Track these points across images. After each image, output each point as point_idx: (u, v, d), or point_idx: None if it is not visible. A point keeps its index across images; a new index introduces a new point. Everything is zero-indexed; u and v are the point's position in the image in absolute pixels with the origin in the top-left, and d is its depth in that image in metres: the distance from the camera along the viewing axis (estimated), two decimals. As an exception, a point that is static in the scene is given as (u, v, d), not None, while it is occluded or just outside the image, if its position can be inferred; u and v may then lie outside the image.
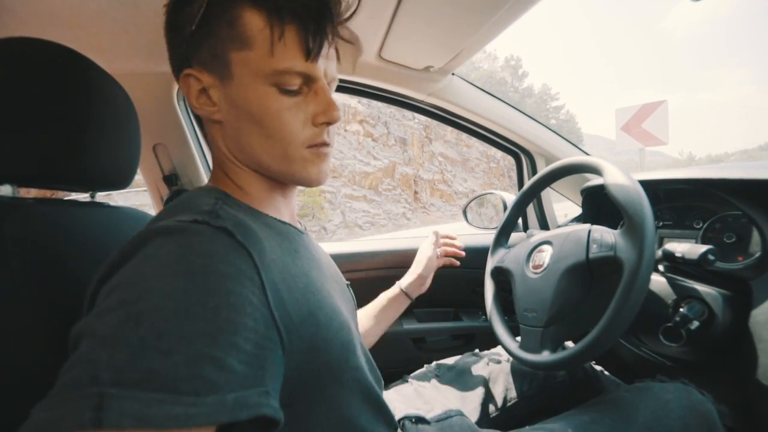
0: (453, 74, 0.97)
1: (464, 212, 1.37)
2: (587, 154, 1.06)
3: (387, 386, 0.82)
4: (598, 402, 0.63)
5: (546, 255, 0.71)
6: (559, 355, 0.61)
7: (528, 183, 0.84)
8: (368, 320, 0.79)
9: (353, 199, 13.75)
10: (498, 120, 1.06)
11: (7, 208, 0.42)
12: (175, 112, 0.92)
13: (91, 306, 0.31)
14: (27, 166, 0.45)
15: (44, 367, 0.37)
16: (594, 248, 0.62)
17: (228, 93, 0.41)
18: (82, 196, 0.63)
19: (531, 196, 0.86)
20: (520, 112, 1.09)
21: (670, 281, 0.66)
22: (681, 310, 0.62)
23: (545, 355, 0.64)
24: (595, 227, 0.65)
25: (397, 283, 0.84)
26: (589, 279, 0.63)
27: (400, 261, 1.16)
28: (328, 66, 0.44)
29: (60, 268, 0.44)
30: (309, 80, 0.42)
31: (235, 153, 0.45)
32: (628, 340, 0.84)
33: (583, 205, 0.98)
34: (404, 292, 0.82)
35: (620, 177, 0.60)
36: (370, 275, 1.15)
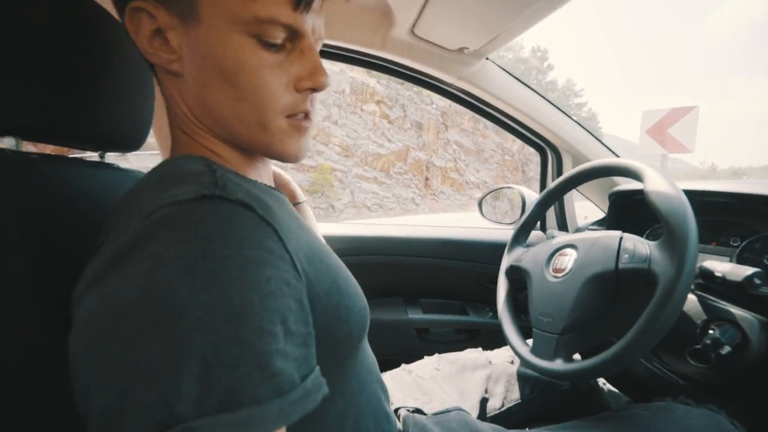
0: (487, 59, 0.91)
1: (479, 204, 1.33)
2: (618, 156, 1.01)
3: (383, 372, 0.80)
4: (610, 417, 0.60)
5: (569, 259, 0.67)
6: (575, 365, 0.58)
7: (556, 181, 0.80)
8: None
9: (364, 180, 13.69)
10: (528, 111, 1.00)
11: (6, 161, 0.39)
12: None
13: (80, 302, 0.27)
14: (31, 118, 0.42)
15: (36, 338, 0.35)
16: (625, 258, 0.57)
17: (192, 39, 0.33)
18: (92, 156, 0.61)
19: (557, 195, 0.82)
20: (552, 104, 1.03)
21: (701, 300, 0.62)
22: (711, 332, 0.58)
23: (558, 364, 0.61)
24: (627, 235, 0.61)
25: None
26: (615, 290, 0.60)
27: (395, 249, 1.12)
28: (316, 21, 0.37)
29: (60, 229, 0.41)
30: (294, 35, 0.35)
31: (198, 115, 0.37)
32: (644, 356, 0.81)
33: (610, 210, 0.93)
34: None
35: (664, 185, 0.56)
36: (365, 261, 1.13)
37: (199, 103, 0.36)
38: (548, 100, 1.03)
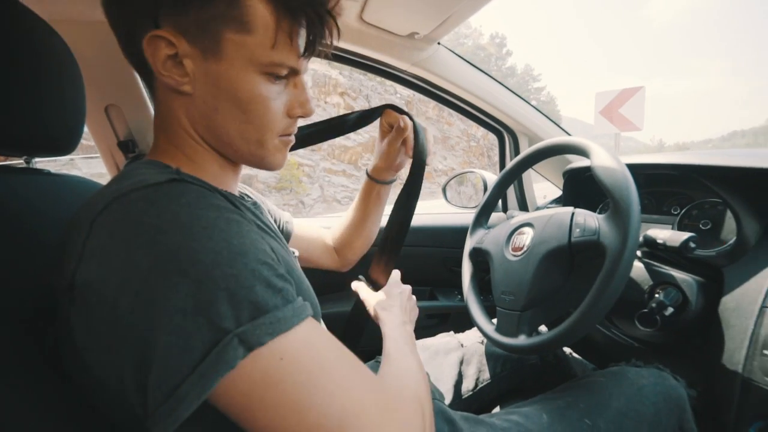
0: (439, 43, 0.91)
1: (443, 190, 1.35)
2: (570, 136, 1.04)
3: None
4: (572, 386, 0.63)
5: (527, 237, 0.69)
6: (536, 339, 0.60)
7: (512, 162, 0.81)
8: (355, 214, 0.77)
9: (332, 174, 13.54)
10: (483, 95, 1.02)
11: None
12: (128, 69, 0.82)
13: (72, 288, 0.31)
14: None
15: None
16: (577, 232, 0.60)
17: (210, 69, 0.38)
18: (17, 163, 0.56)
19: (514, 175, 0.84)
20: (507, 88, 1.05)
21: (647, 266, 0.66)
22: (657, 296, 0.62)
23: (521, 339, 0.63)
24: (579, 211, 0.63)
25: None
26: (569, 263, 0.62)
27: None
28: (305, 61, 0.45)
29: None
30: (293, 72, 0.42)
31: (199, 130, 0.43)
32: (600, 323, 0.85)
33: (564, 187, 0.96)
34: (370, 177, 0.73)
35: (608, 160, 0.58)
36: None
37: (205, 121, 0.42)
38: (502, 84, 1.05)
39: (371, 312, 0.61)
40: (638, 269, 0.67)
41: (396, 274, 0.68)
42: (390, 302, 0.60)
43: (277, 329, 0.29)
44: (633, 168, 0.58)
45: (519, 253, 0.69)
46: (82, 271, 0.30)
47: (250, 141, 0.43)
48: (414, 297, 0.67)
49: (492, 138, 1.25)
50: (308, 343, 0.31)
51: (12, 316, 0.36)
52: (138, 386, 0.28)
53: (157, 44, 0.37)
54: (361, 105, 15.53)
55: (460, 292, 1.22)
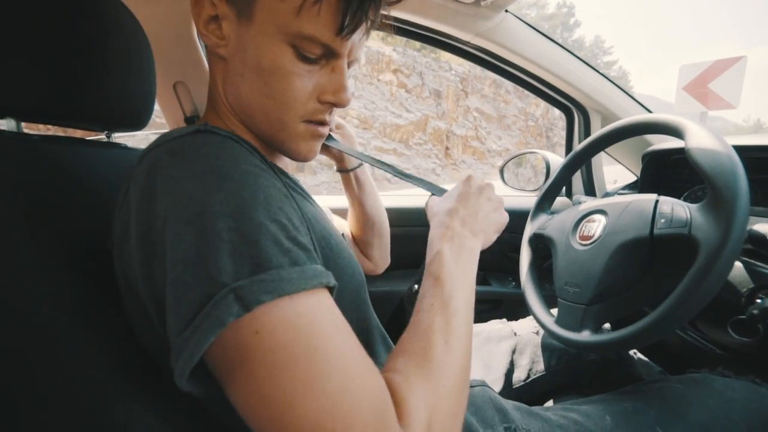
0: (506, 11, 0.83)
1: (501, 171, 1.28)
2: (651, 112, 0.92)
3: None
4: (641, 389, 0.58)
5: (598, 226, 0.62)
6: (603, 336, 0.55)
7: (585, 142, 0.74)
8: (352, 211, 0.73)
9: (383, 152, 13.52)
10: (553, 68, 0.92)
11: (5, 143, 0.39)
12: (195, 48, 0.84)
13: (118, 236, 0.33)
14: (28, 98, 0.41)
15: (43, 320, 0.35)
16: (661, 223, 0.53)
17: (241, 33, 0.38)
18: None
19: (585, 157, 0.76)
20: (580, 60, 0.95)
21: (747, 267, 0.57)
22: (758, 301, 0.53)
23: (585, 335, 0.58)
24: (664, 198, 0.56)
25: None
26: (650, 258, 0.55)
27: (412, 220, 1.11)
28: (356, 45, 0.41)
29: (65, 210, 0.41)
30: (330, 54, 0.39)
31: (230, 98, 0.42)
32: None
33: (643, 172, 0.86)
34: (338, 170, 0.71)
35: (710, 140, 0.50)
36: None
37: (234, 87, 0.40)
38: (575, 55, 0.94)
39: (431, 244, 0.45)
40: (736, 269, 0.58)
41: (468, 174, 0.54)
42: (447, 218, 0.46)
43: (278, 289, 0.27)
44: (738, 150, 0.49)
45: (588, 242, 0.63)
46: (120, 220, 0.32)
47: (271, 119, 0.40)
48: (499, 199, 0.51)
49: (552, 118, 1.15)
50: (311, 319, 0.28)
51: (89, 275, 0.39)
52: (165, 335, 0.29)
53: (202, 3, 0.38)
54: (414, 82, 15.19)
55: (514, 279, 1.17)
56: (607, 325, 0.79)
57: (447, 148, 15.47)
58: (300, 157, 0.44)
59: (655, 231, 0.53)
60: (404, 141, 14.05)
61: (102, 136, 0.59)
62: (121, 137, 0.61)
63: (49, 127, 0.51)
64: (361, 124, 13.46)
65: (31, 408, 0.33)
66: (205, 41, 0.40)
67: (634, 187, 0.96)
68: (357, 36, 0.39)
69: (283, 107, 0.39)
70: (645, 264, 0.56)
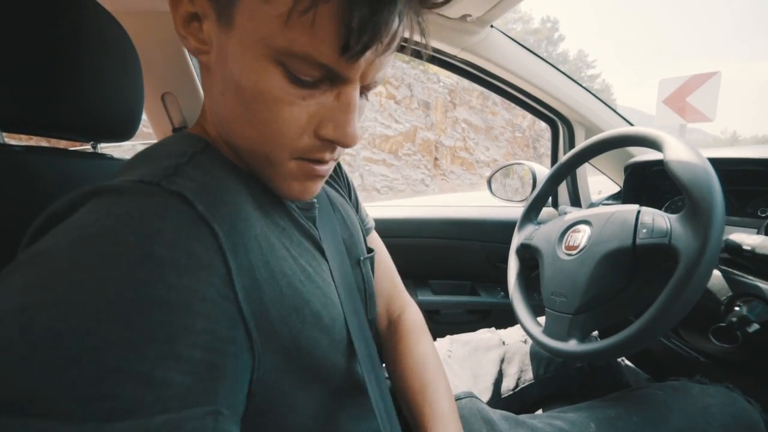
0: (492, 26, 0.85)
1: (488, 182, 1.30)
2: (632, 125, 0.95)
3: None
4: (624, 397, 0.59)
5: (582, 236, 0.64)
6: (590, 346, 0.56)
7: (569, 154, 0.75)
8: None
9: (372, 163, 13.58)
10: (537, 82, 0.95)
11: None
12: (183, 58, 0.85)
13: None
14: (11, 109, 0.40)
15: None
16: (643, 233, 0.54)
17: (222, 41, 0.29)
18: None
19: (569, 168, 0.78)
20: (563, 74, 0.97)
21: (726, 275, 0.59)
22: (737, 309, 0.55)
23: (572, 344, 0.58)
24: (645, 209, 0.57)
25: None
26: (632, 267, 0.56)
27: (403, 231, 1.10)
28: (373, 66, 0.30)
29: None
30: (335, 77, 0.29)
31: (214, 118, 0.35)
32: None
33: (626, 183, 0.88)
34: None
35: (686, 153, 0.52)
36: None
37: (216, 106, 0.33)
38: (559, 70, 0.97)
39: None
40: (714, 277, 0.60)
41: None
42: None
43: None
44: (714, 163, 0.51)
45: (574, 252, 0.64)
46: None
47: (255, 152, 0.32)
48: None
49: (538, 129, 1.18)
50: None
51: None
52: None
53: None
54: (403, 94, 15.37)
55: (503, 289, 1.18)
56: (595, 333, 0.80)
57: (436, 159, 15.62)
58: (293, 198, 0.36)
59: (638, 241, 0.54)
60: (393, 152, 14.15)
61: (87, 147, 0.59)
62: (107, 147, 0.61)
63: (32, 137, 0.50)
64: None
65: None
66: (184, 44, 0.31)
67: (618, 198, 0.99)
68: (374, 56, 0.29)
69: (267, 142, 0.31)
70: (628, 273, 0.57)
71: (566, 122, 1.06)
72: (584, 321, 0.59)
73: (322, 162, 0.34)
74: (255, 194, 0.34)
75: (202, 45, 0.31)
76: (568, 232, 0.68)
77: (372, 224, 0.64)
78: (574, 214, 0.70)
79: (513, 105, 1.06)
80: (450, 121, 16.99)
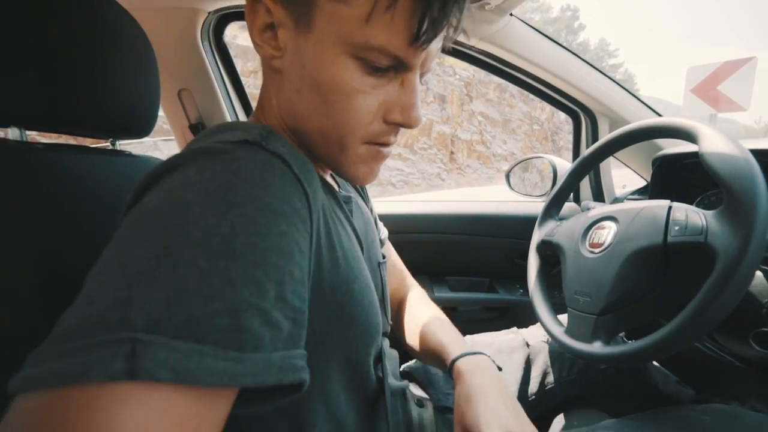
0: (511, 14, 0.82)
1: (507, 176, 1.27)
2: (660, 116, 0.90)
3: (413, 359, 0.78)
4: (662, 418, 0.54)
5: (608, 233, 0.61)
6: (617, 348, 0.53)
7: (594, 146, 0.72)
8: (414, 341, 0.60)
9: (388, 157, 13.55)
10: (559, 72, 0.91)
11: (5, 151, 0.38)
12: (199, 55, 0.85)
13: None
14: (32, 107, 0.41)
15: (39, 333, 0.34)
16: (675, 230, 0.51)
17: (299, 44, 0.33)
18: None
19: (594, 162, 0.74)
20: (587, 63, 0.93)
21: None
22: None
23: (597, 346, 0.56)
24: (677, 205, 0.54)
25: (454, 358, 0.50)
26: (663, 266, 0.53)
27: (419, 227, 1.08)
28: (430, 54, 0.34)
29: (68, 219, 0.41)
30: (400, 66, 0.33)
31: (284, 116, 0.38)
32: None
33: (653, 177, 0.84)
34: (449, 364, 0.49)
35: (725, 144, 0.48)
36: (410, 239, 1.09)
37: (289, 105, 0.36)
38: (581, 58, 0.93)
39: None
40: (757, 278, 0.56)
41: None
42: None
43: (186, 371, 0.20)
44: (756, 155, 0.48)
45: (598, 250, 0.61)
46: None
47: (329, 140, 0.36)
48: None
49: (557, 121, 1.14)
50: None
51: None
52: None
53: (257, 10, 0.34)
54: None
55: (522, 286, 1.15)
56: (621, 334, 0.77)
57: (452, 153, 15.46)
58: (357, 181, 0.39)
59: (669, 239, 0.51)
60: (409, 146, 14.07)
61: (107, 144, 0.59)
62: (127, 144, 0.61)
63: (61, 136, 0.51)
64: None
65: None
66: (260, 53, 0.36)
67: (644, 193, 0.95)
68: (435, 45, 0.33)
69: (343, 128, 0.35)
70: (658, 273, 0.54)
71: (589, 114, 1.02)
72: (610, 322, 0.57)
73: (387, 144, 0.38)
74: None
75: (276, 51, 0.35)
76: (593, 228, 0.65)
77: (386, 235, 0.67)
78: (599, 209, 0.67)
79: (532, 97, 1.03)
80: (466, 115, 16.77)
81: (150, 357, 0.19)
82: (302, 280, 0.27)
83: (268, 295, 0.24)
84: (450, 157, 15.35)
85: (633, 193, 1.00)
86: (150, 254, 0.22)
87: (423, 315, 0.61)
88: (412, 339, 0.60)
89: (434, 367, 0.66)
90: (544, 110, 19.07)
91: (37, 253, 0.36)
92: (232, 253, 0.23)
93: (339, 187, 0.50)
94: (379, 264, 0.52)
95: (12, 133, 0.43)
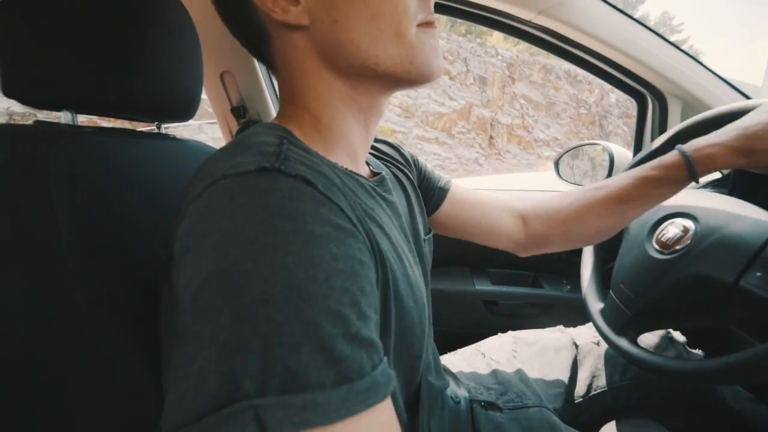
0: (574, -16, 0.74)
1: (556, 164, 1.18)
2: (749, 98, 0.79)
3: (454, 350, 0.76)
4: None
5: (682, 237, 0.54)
6: (688, 364, 0.47)
7: (669, 132, 0.64)
8: (607, 193, 0.53)
9: (425, 141, 13.32)
10: (626, 48, 0.82)
11: (58, 135, 0.39)
12: (242, 36, 0.84)
13: (171, 258, 0.29)
14: (82, 92, 0.42)
15: (83, 320, 0.34)
16: (756, 277, 0.43)
17: None
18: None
19: (664, 151, 0.66)
20: (660, 36, 0.83)
21: None
22: None
23: (671, 360, 0.50)
24: None
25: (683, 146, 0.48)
26: (725, 302, 0.46)
27: None
28: None
29: (114, 202, 0.41)
30: None
31: (332, 62, 0.37)
32: None
33: (736, 170, 0.74)
34: (687, 163, 0.47)
35: None
36: None
37: (331, 47, 0.36)
38: (653, 31, 0.82)
39: None
40: None
41: None
42: None
43: (307, 420, 0.21)
44: None
45: (666, 252, 0.54)
46: (178, 241, 0.28)
47: (386, 41, 0.35)
48: None
49: (606, 105, 1.03)
50: None
51: (136, 276, 0.38)
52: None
53: None
54: (458, 69, 14.77)
55: (569, 282, 1.08)
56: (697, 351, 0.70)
57: (491, 137, 14.96)
58: (433, 71, 0.38)
59: (742, 282, 0.44)
60: (447, 130, 13.76)
61: (152, 127, 0.60)
62: (174, 128, 0.62)
63: (110, 120, 0.52)
64: (403, 112, 13.33)
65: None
66: (280, 18, 0.35)
67: (723, 186, 0.84)
68: None
69: (394, 16, 0.34)
70: (717, 304, 0.47)
71: (658, 95, 0.91)
72: (641, 323, 0.53)
73: (432, 23, 0.37)
74: (341, 179, 0.34)
75: (294, 5, 0.34)
76: (665, 223, 0.58)
77: (448, 179, 0.62)
78: (676, 202, 0.59)
79: (579, 78, 0.94)
80: (508, 98, 16.09)
81: (271, 417, 0.20)
82: (373, 290, 0.28)
83: (350, 319, 0.24)
84: (489, 142, 14.87)
85: (706, 185, 0.90)
86: (226, 323, 0.22)
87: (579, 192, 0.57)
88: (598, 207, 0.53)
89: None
90: (592, 93, 17.86)
91: (91, 241, 0.36)
92: (298, 294, 0.23)
93: (371, 167, 0.48)
94: (424, 240, 0.50)
95: (65, 117, 0.44)
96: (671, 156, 0.48)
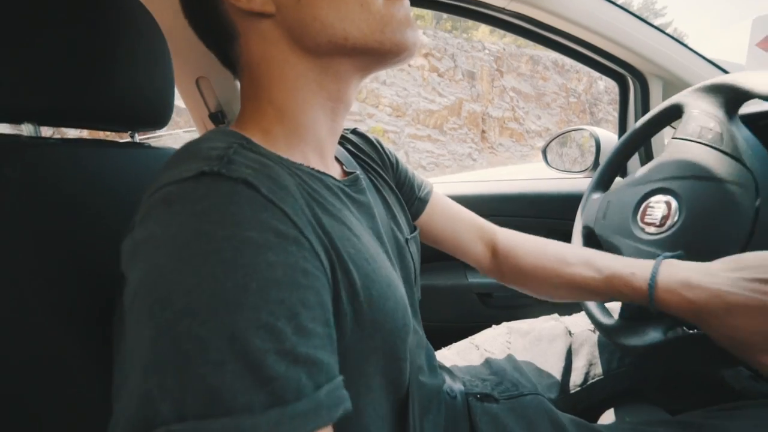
0: (547, -32, 0.73)
1: (543, 152, 1.18)
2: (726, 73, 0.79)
3: (448, 345, 0.75)
4: (736, 413, 0.48)
5: (666, 210, 0.53)
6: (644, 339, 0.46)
7: (650, 114, 0.63)
8: (564, 268, 0.53)
9: (417, 139, 13.30)
10: (603, 30, 0.81)
11: (18, 146, 0.38)
12: (215, 40, 0.82)
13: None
14: (47, 102, 0.41)
15: (40, 330, 0.33)
16: None
17: None
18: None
19: (651, 131, 0.65)
20: (636, 17, 0.82)
21: None
22: None
23: (651, 335, 0.49)
24: None
25: (654, 271, 0.43)
26: None
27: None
28: None
29: (86, 214, 0.40)
30: None
31: (297, 42, 0.35)
32: None
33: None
34: (650, 295, 0.42)
35: None
36: None
37: (298, 28, 0.35)
38: (630, 12, 0.82)
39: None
40: None
41: None
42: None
43: None
44: None
45: (654, 231, 0.54)
46: (124, 251, 0.27)
47: (353, 13, 0.34)
48: None
49: (595, 92, 1.03)
50: None
51: (100, 286, 0.37)
52: None
53: None
54: (446, 65, 14.78)
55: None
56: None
57: (483, 132, 14.98)
58: (408, 45, 0.37)
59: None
60: (438, 126, 13.77)
61: (126, 137, 0.59)
62: (157, 138, 0.61)
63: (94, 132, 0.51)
64: (393, 112, 13.33)
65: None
66: (248, 7, 0.34)
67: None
68: None
69: None
70: None
71: (639, 76, 0.91)
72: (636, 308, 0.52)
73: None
74: (302, 179, 0.33)
75: None
76: (646, 203, 0.57)
77: (429, 189, 0.62)
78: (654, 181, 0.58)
79: (567, 68, 0.93)
80: (497, 91, 16.11)
81: None
82: (321, 302, 0.26)
83: (285, 334, 0.22)
84: (481, 137, 14.89)
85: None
86: (148, 339, 0.21)
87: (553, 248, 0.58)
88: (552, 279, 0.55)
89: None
90: (581, 81, 17.92)
91: (52, 251, 0.35)
92: (224, 306, 0.21)
93: (345, 166, 0.46)
94: (407, 240, 0.48)
95: (26, 129, 0.43)
96: (640, 279, 0.44)
